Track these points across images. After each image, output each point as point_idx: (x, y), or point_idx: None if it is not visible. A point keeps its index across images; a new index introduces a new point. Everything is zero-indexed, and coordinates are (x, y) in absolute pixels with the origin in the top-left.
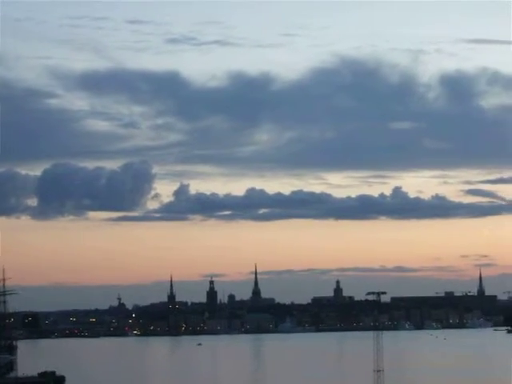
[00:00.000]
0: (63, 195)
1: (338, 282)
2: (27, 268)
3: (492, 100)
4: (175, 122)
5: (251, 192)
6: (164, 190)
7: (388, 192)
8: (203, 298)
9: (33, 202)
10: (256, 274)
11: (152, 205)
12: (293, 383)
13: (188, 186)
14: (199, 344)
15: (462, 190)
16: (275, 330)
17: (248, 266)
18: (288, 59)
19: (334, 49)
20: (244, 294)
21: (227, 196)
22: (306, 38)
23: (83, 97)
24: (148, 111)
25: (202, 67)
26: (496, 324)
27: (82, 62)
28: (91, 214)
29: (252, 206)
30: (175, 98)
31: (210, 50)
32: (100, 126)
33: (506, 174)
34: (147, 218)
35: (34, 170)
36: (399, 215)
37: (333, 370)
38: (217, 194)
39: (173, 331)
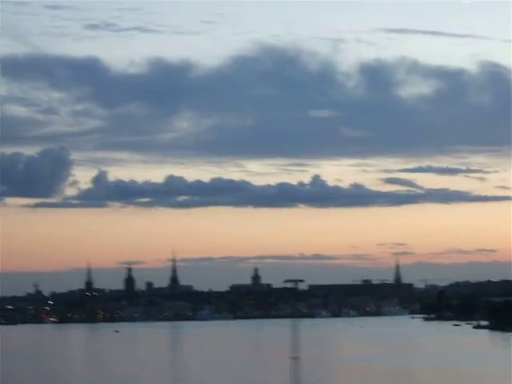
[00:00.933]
0: None
1: (256, 270)
2: None
3: (411, 89)
4: (94, 109)
5: (170, 179)
6: (82, 177)
7: (307, 180)
8: (121, 286)
9: None
10: (174, 261)
11: (70, 191)
12: (210, 370)
13: (107, 172)
14: (116, 331)
15: (380, 179)
16: (193, 318)
17: (166, 253)
18: (208, 46)
19: (254, 37)
20: (162, 282)
21: (146, 183)
22: (226, 25)
23: (1, 82)
24: (67, 97)
25: (122, 53)
26: (412, 312)
27: (1, 48)
28: (8, 200)
29: (171, 194)
30: (94, 84)
31: (130, 36)
32: (18, 111)
33: (424, 163)
34: (65, 204)
35: None
36: (318, 203)
37: (250, 357)
38: (136, 181)
39: (90, 318)
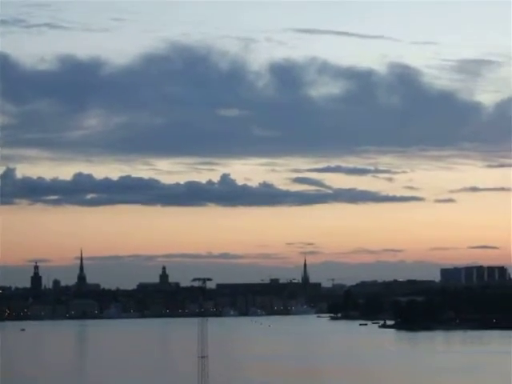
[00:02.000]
0: None
1: (164, 268)
2: None
3: (321, 89)
4: (2, 105)
5: (78, 177)
6: None
7: (216, 179)
8: (27, 283)
9: None
10: (82, 259)
11: None
12: (117, 370)
13: (14, 169)
14: (22, 329)
15: (289, 178)
16: (100, 316)
17: (74, 251)
18: (118, 44)
19: (164, 35)
20: (69, 280)
21: (54, 180)
22: (136, 23)
23: None
24: None
25: (31, 50)
26: (320, 311)
27: None
28: None
29: (79, 191)
30: (3, 80)
31: (40, 32)
32: None
33: (333, 163)
34: None
35: None
36: (227, 202)
37: (157, 355)
38: (44, 179)
39: None
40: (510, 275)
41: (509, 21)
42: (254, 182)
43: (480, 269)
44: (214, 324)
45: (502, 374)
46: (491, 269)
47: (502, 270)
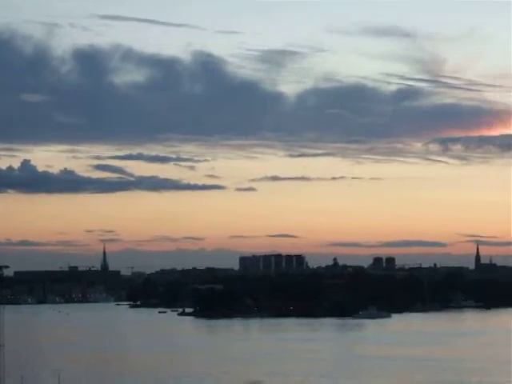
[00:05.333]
0: None
1: None
2: None
3: (124, 77)
4: None
5: None
6: None
7: (16, 165)
8: None
9: None
10: None
11: None
12: None
13: None
14: None
15: (91, 165)
16: None
17: None
18: None
19: None
20: None
21: None
22: None
23: None
24: None
25: None
26: (119, 299)
27: None
28: None
29: None
30: None
31: None
32: None
33: (135, 151)
34: None
35: None
36: (27, 189)
37: None
38: None
39: None
40: (307, 263)
41: (312, 13)
42: (55, 169)
43: (278, 257)
44: (11, 312)
45: (298, 360)
46: (289, 257)
47: (299, 258)
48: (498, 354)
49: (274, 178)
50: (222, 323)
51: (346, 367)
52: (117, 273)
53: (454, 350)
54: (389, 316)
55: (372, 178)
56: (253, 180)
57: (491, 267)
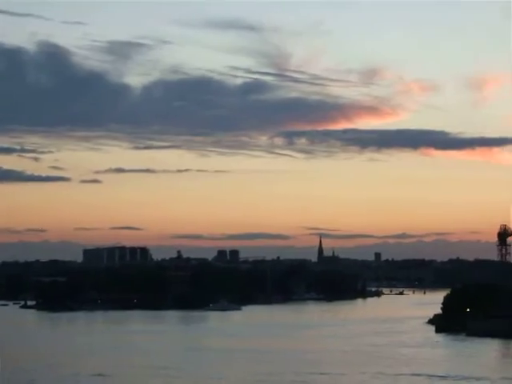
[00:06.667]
0: None
1: None
2: None
3: None
4: None
5: None
6: None
7: None
8: None
9: None
10: None
11: None
12: None
13: None
14: None
15: None
16: None
17: None
18: None
19: None
20: None
21: None
22: None
23: None
24: None
25: None
26: None
27: None
28: None
29: None
30: None
31: None
32: None
33: None
34: None
35: None
36: None
37: None
38: None
39: None
40: (151, 256)
41: (159, 5)
42: None
43: (122, 249)
44: None
45: (142, 352)
46: (133, 249)
47: (143, 250)
48: (338, 345)
49: (119, 170)
50: (65, 316)
51: (190, 359)
52: None
53: (296, 341)
54: (239, 308)
55: (217, 171)
56: (97, 172)
57: (333, 260)
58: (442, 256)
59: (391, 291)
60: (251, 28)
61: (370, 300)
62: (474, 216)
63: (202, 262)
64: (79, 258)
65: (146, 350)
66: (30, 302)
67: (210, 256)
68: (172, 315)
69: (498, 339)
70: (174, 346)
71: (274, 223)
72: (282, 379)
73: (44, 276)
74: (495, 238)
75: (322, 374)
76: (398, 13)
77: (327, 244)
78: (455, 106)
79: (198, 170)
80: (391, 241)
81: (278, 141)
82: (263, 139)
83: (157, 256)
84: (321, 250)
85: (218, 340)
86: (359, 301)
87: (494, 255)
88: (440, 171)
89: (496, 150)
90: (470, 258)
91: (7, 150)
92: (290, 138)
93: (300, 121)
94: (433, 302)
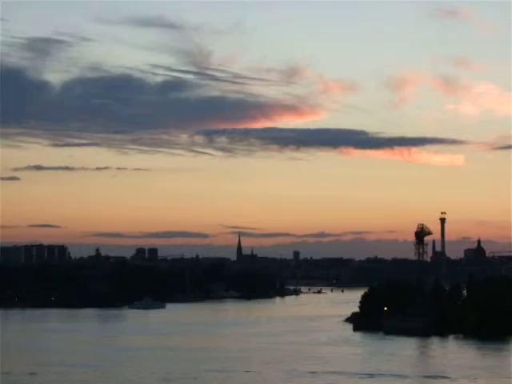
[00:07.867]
0: None
1: None
2: None
3: None
4: None
5: None
6: None
7: None
8: None
9: None
10: None
11: None
12: None
13: None
14: None
15: None
16: None
17: None
18: None
19: None
20: None
21: None
22: None
23: None
24: None
25: None
26: None
27: None
28: None
29: None
30: None
31: None
32: None
33: None
34: None
35: None
36: None
37: None
38: None
39: None
40: (69, 253)
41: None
42: None
43: (40, 248)
44: None
45: (60, 351)
46: (51, 247)
47: (61, 248)
48: (255, 343)
49: (38, 168)
50: None
51: (107, 357)
52: None
53: (216, 340)
54: (163, 306)
55: (137, 169)
56: (16, 169)
57: (252, 258)
58: (360, 255)
59: (309, 290)
60: (172, 26)
61: (288, 298)
62: (391, 215)
63: (121, 261)
64: None
65: (64, 348)
66: None
67: (129, 254)
68: (89, 313)
69: (415, 337)
70: (90, 344)
71: (194, 222)
72: (199, 377)
73: None
74: (413, 237)
75: (240, 372)
76: (319, 12)
77: (246, 243)
78: (375, 105)
79: (118, 168)
80: (310, 240)
81: (198, 139)
82: (183, 137)
83: (75, 254)
84: (240, 248)
85: (136, 338)
86: (277, 299)
87: (411, 254)
88: (359, 170)
89: (415, 149)
90: (388, 256)
91: None
92: (210, 136)
93: (220, 119)
94: (351, 300)
